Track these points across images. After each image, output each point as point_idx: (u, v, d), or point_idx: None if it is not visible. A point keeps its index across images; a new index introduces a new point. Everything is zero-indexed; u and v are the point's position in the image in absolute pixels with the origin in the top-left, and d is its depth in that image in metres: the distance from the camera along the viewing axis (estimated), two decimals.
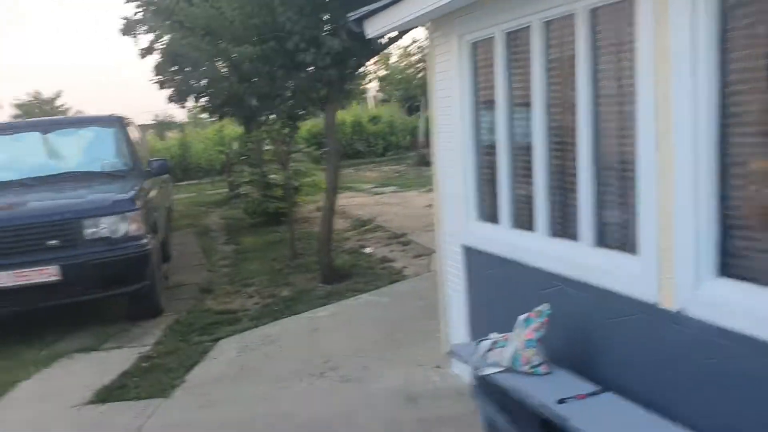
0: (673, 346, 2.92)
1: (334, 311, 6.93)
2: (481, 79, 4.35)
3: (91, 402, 5.18)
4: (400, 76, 26.32)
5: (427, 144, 23.98)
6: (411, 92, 26.79)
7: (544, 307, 3.43)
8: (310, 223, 12.38)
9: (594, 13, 3.31)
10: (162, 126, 27.90)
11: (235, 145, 16.99)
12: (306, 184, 13.29)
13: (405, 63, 25.46)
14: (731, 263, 2.74)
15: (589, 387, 3.20)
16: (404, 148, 25.77)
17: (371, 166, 22.94)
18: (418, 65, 26.13)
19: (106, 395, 5.27)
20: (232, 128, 21.64)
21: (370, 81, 22.34)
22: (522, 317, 3.47)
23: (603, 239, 3.42)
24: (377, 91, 29.90)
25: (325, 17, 7.77)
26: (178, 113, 34.00)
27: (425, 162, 21.77)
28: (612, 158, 3.35)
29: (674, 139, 2.83)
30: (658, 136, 2.92)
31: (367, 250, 9.74)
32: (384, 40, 7.87)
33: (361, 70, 9.94)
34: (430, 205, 13.41)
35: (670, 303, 2.92)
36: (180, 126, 28.10)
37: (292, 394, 4.98)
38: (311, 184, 13.23)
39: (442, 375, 4.99)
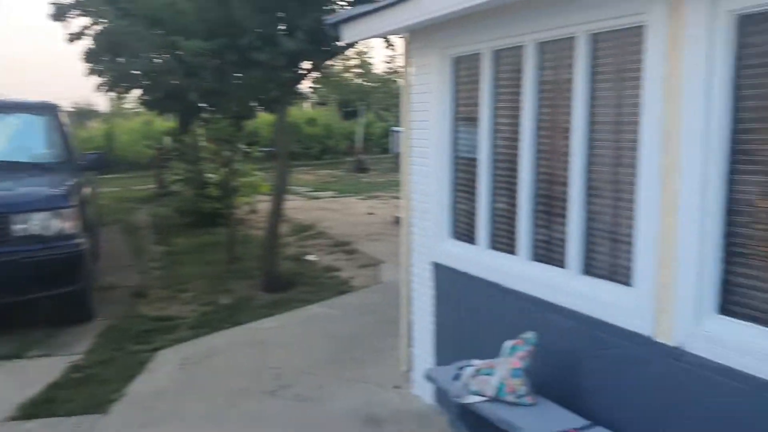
0: (670, 381, 2.86)
1: (282, 323, 6.66)
2: (463, 95, 4.23)
3: (14, 418, 4.72)
4: (336, 80, 26.12)
5: (365, 150, 23.90)
6: (348, 97, 26.62)
7: (531, 335, 3.32)
8: (247, 225, 12.00)
9: (596, 37, 3.23)
10: (82, 115, 26.64)
11: (167, 140, 16.34)
12: (244, 185, 12.91)
13: (343, 67, 25.27)
14: (733, 301, 2.71)
15: (577, 420, 3.11)
16: (341, 153, 25.56)
17: (307, 169, 22.58)
18: (357, 70, 25.97)
19: (32, 410, 4.82)
20: (162, 122, 20.82)
21: (326, 82, 22.01)
22: (508, 344, 3.35)
23: (592, 268, 3.35)
24: (312, 92, 29.59)
25: (282, 16, 7.50)
26: (100, 102, 32.62)
27: (363, 168, 21.68)
28: (606, 187, 3.27)
29: (681, 175, 2.77)
30: (663, 170, 2.86)
31: (311, 257, 9.48)
32: (342, 44, 7.68)
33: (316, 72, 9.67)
34: (371, 213, 13.31)
35: (668, 337, 2.86)
36: (101, 116, 26.92)
37: (242, 414, 4.71)
38: (249, 184, 12.86)
39: (403, 396, 4.83)
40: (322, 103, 29.56)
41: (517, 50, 3.70)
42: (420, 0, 3.78)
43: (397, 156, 10.54)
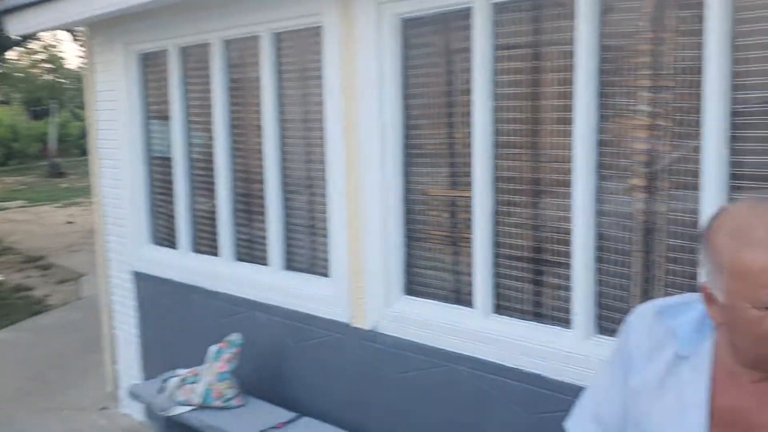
0: (367, 362, 3.04)
1: None
2: (153, 93, 4.03)
3: None
4: (21, 75, 23.49)
5: (59, 153, 21.74)
6: (36, 94, 24.11)
7: (236, 337, 3.29)
8: None
9: (279, 37, 3.29)
10: None
11: None
12: None
13: (28, 62, 22.83)
14: (416, 281, 2.96)
15: (285, 414, 3.16)
16: (32, 157, 22.88)
17: None
18: (44, 65, 23.71)
19: None
20: None
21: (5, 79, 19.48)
22: (213, 349, 3.28)
23: (293, 263, 3.42)
24: None
25: None
26: None
27: (59, 173, 19.69)
28: (301, 183, 3.36)
29: (363, 168, 2.94)
30: (347, 165, 3.01)
31: None
32: (17, 36, 6.87)
33: None
34: (71, 221, 12.14)
35: (363, 322, 3.03)
36: None
37: None
38: None
39: (110, 417, 4.48)
40: (4, 102, 26.29)
41: (204, 47, 3.62)
42: None
43: None
